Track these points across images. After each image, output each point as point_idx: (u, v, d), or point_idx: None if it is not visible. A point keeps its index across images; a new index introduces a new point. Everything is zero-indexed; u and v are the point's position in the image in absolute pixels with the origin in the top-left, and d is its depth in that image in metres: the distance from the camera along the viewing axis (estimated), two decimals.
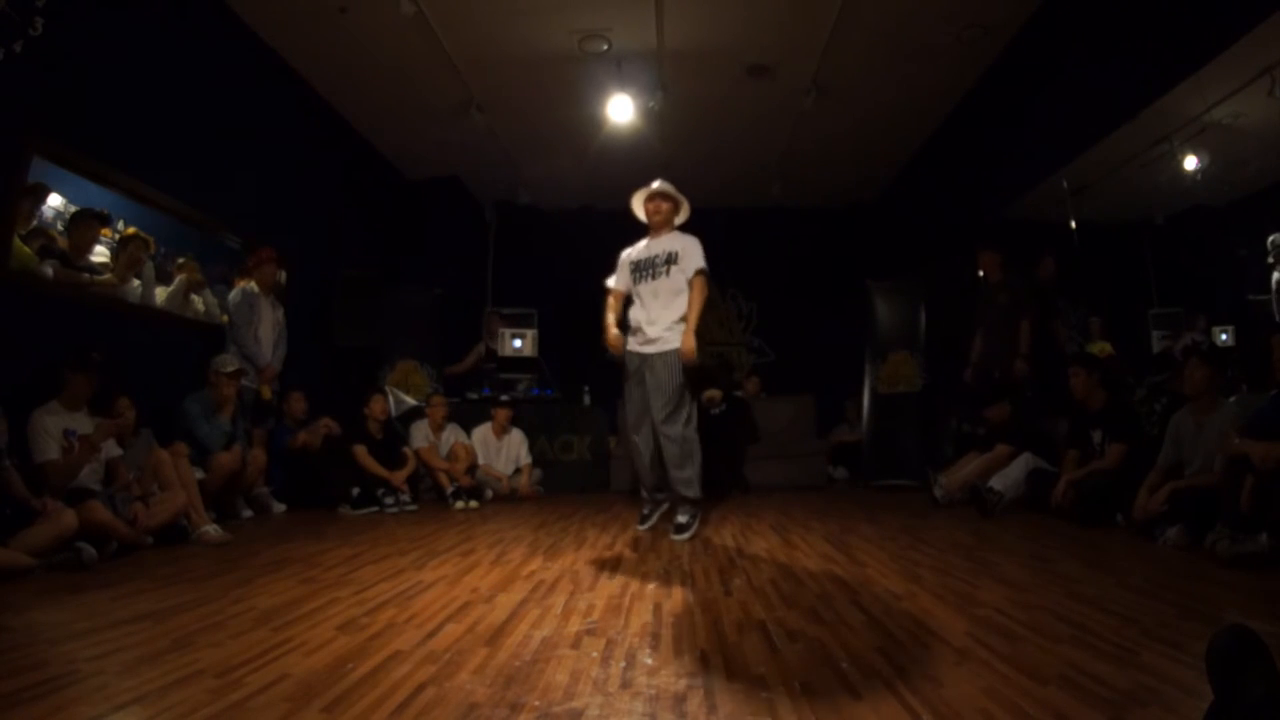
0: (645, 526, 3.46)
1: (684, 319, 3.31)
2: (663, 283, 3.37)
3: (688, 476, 3.29)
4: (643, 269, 3.43)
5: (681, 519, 3.27)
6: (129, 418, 3.43)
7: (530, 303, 6.87)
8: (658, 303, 3.37)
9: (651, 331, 3.33)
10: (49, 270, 3.36)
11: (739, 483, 5.49)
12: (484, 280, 7.95)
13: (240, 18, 4.54)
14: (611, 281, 3.56)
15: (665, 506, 3.56)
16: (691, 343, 3.24)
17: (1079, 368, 3.94)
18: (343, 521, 4.05)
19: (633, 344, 3.44)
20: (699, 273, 3.32)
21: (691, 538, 3.20)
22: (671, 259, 3.38)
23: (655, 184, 3.49)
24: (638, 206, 3.57)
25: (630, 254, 3.55)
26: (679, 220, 3.54)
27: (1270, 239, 5.18)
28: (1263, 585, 2.13)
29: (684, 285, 3.36)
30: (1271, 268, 5.18)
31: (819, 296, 7.96)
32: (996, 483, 3.99)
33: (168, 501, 3.22)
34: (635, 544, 3.13)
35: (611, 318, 3.50)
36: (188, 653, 1.59)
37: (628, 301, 3.55)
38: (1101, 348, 6.29)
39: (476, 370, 6.69)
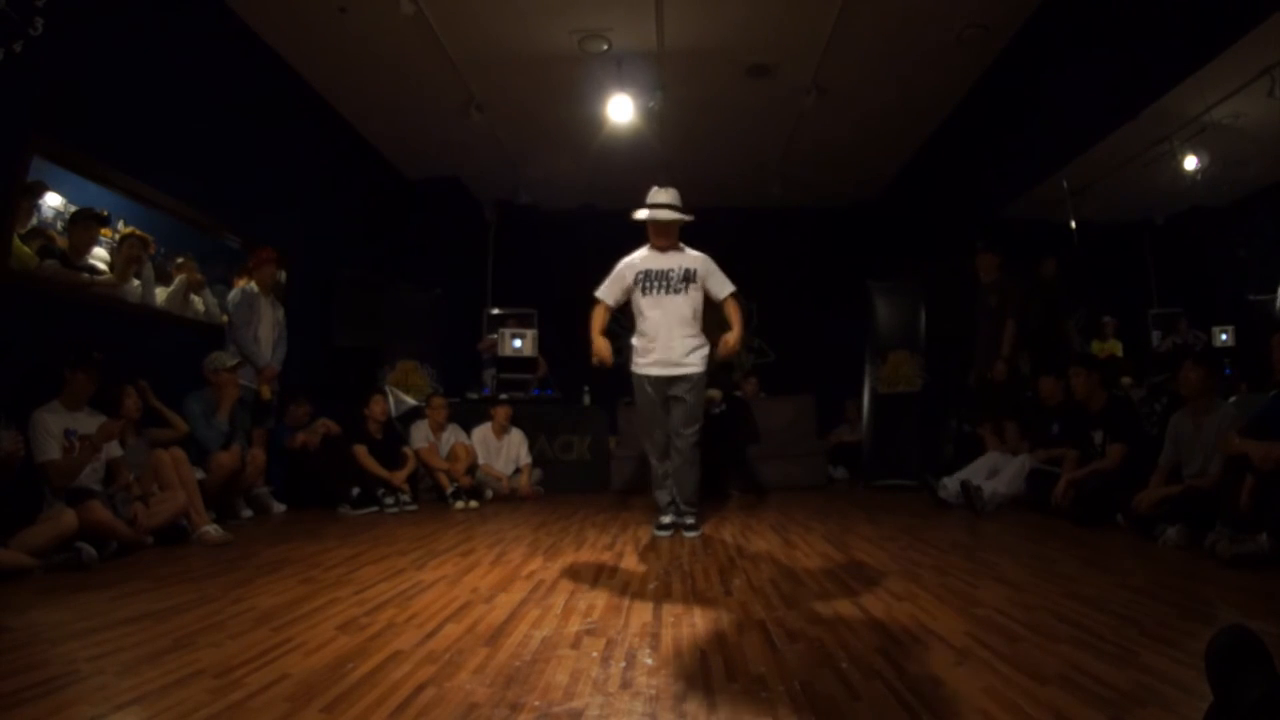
0: (667, 533, 3.35)
1: (704, 342, 3.39)
2: (679, 299, 3.32)
3: (694, 482, 3.47)
4: (653, 280, 3.33)
5: (690, 520, 3.42)
6: (132, 405, 3.44)
7: (530, 303, 6.85)
8: (671, 320, 3.31)
9: (673, 356, 3.31)
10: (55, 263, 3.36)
11: (752, 486, 5.51)
12: (484, 280, 7.94)
13: (240, 18, 4.54)
14: (602, 293, 3.44)
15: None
16: (735, 344, 3.32)
17: (1079, 368, 3.95)
18: (343, 521, 4.06)
19: (643, 364, 3.38)
20: (734, 295, 3.42)
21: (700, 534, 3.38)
22: (689, 276, 3.34)
23: (664, 196, 3.34)
24: (643, 215, 3.39)
25: (634, 263, 3.40)
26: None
27: None
28: (1263, 585, 2.13)
29: (700, 304, 3.38)
30: None
31: (819, 296, 7.94)
32: (988, 486, 4.01)
33: (168, 501, 3.22)
34: (635, 543, 3.13)
35: (599, 328, 3.44)
36: (188, 653, 1.59)
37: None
38: (1103, 347, 6.29)
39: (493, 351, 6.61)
